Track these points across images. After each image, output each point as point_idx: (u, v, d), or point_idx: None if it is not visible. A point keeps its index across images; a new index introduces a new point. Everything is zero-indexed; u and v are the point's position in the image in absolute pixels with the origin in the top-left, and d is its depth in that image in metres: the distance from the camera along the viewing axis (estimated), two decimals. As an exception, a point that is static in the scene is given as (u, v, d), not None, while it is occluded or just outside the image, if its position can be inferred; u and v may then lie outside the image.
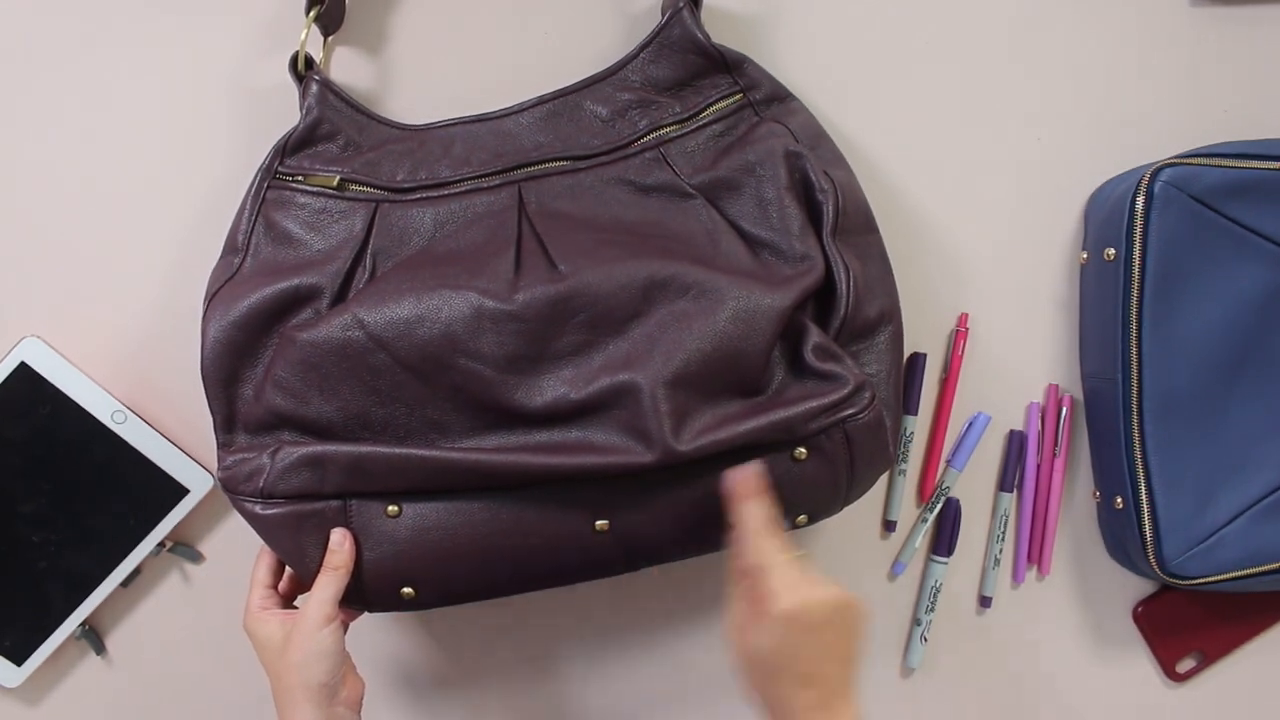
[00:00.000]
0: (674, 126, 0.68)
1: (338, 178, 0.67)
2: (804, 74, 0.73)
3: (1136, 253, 0.69)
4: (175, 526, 0.73)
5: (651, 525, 0.62)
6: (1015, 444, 0.76)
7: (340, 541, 0.61)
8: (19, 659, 0.72)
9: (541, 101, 0.69)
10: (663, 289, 0.62)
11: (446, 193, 0.67)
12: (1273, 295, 0.70)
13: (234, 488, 0.63)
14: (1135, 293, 0.69)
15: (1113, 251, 0.70)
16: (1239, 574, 0.71)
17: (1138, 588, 0.78)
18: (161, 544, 0.73)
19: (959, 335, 0.75)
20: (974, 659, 0.78)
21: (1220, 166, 0.69)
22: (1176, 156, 0.70)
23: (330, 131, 0.68)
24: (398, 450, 0.61)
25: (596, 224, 0.65)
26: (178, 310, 0.73)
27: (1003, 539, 0.76)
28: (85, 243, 0.72)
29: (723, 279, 0.62)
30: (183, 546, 0.74)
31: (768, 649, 0.55)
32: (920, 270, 0.75)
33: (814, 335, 0.63)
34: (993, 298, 0.75)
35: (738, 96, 0.68)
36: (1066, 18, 0.74)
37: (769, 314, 0.61)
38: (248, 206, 0.67)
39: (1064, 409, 0.75)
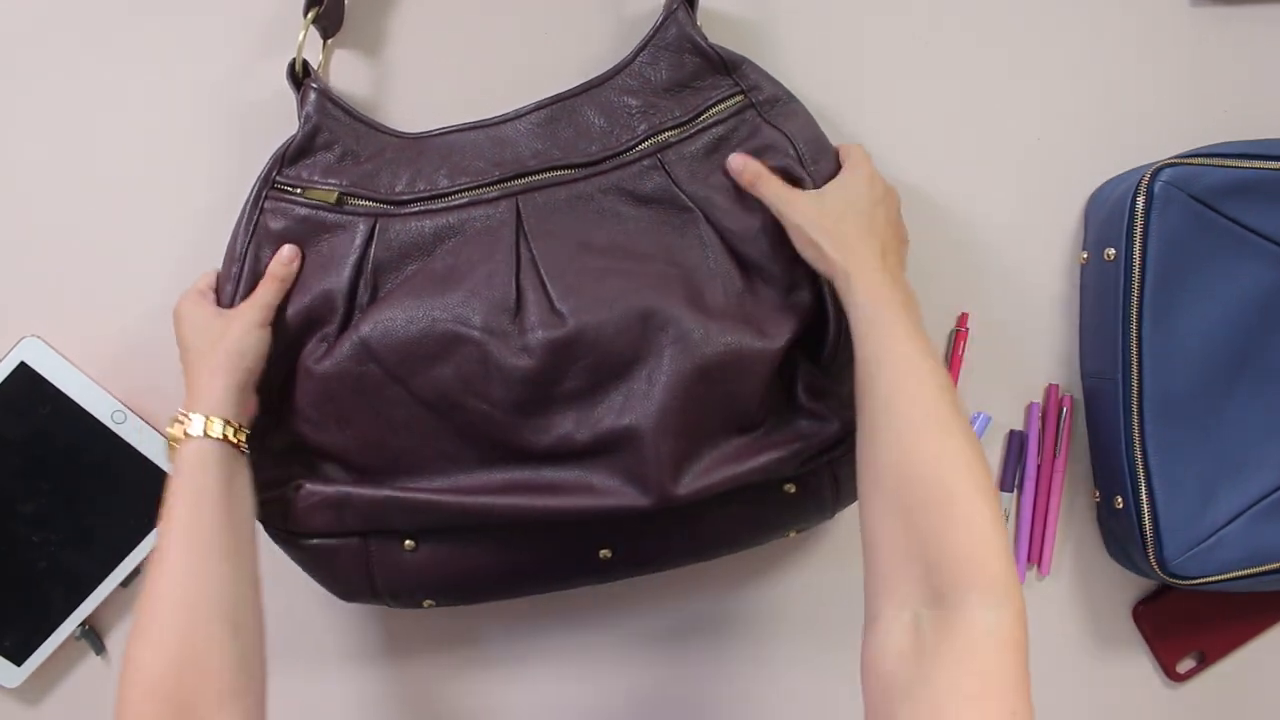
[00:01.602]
0: (674, 131, 0.67)
1: (337, 193, 0.66)
2: (804, 75, 0.73)
3: (1136, 252, 0.69)
4: (175, 526, 0.73)
5: (653, 552, 0.67)
6: (1015, 444, 0.76)
7: (290, 260, 0.65)
8: (19, 659, 0.72)
9: (540, 107, 0.68)
10: (660, 331, 0.62)
11: (445, 204, 0.66)
12: (1273, 295, 0.70)
13: (260, 518, 0.65)
14: (1135, 292, 0.69)
15: (1113, 251, 0.70)
16: (1239, 574, 0.71)
17: (1138, 588, 0.78)
18: (161, 544, 0.73)
19: (959, 335, 0.75)
20: (974, 659, 0.78)
21: (1220, 166, 0.69)
22: (1176, 156, 0.70)
23: (328, 140, 0.67)
24: (411, 496, 0.63)
25: (594, 247, 0.65)
26: (177, 310, 0.73)
27: (1003, 539, 0.76)
28: (85, 243, 0.72)
29: (716, 323, 0.62)
30: (183, 546, 0.74)
31: (846, 194, 0.64)
32: (920, 270, 0.74)
33: (805, 372, 0.65)
34: (993, 298, 0.75)
35: (739, 98, 0.67)
36: (1067, 18, 0.74)
37: (762, 358, 0.63)
38: (246, 216, 0.67)
39: (1064, 409, 0.75)
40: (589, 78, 0.69)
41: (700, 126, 0.67)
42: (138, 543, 0.72)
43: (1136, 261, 0.69)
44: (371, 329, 0.63)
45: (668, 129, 0.67)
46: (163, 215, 0.72)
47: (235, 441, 0.61)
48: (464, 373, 0.63)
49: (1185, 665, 0.78)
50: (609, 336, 0.62)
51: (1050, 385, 0.76)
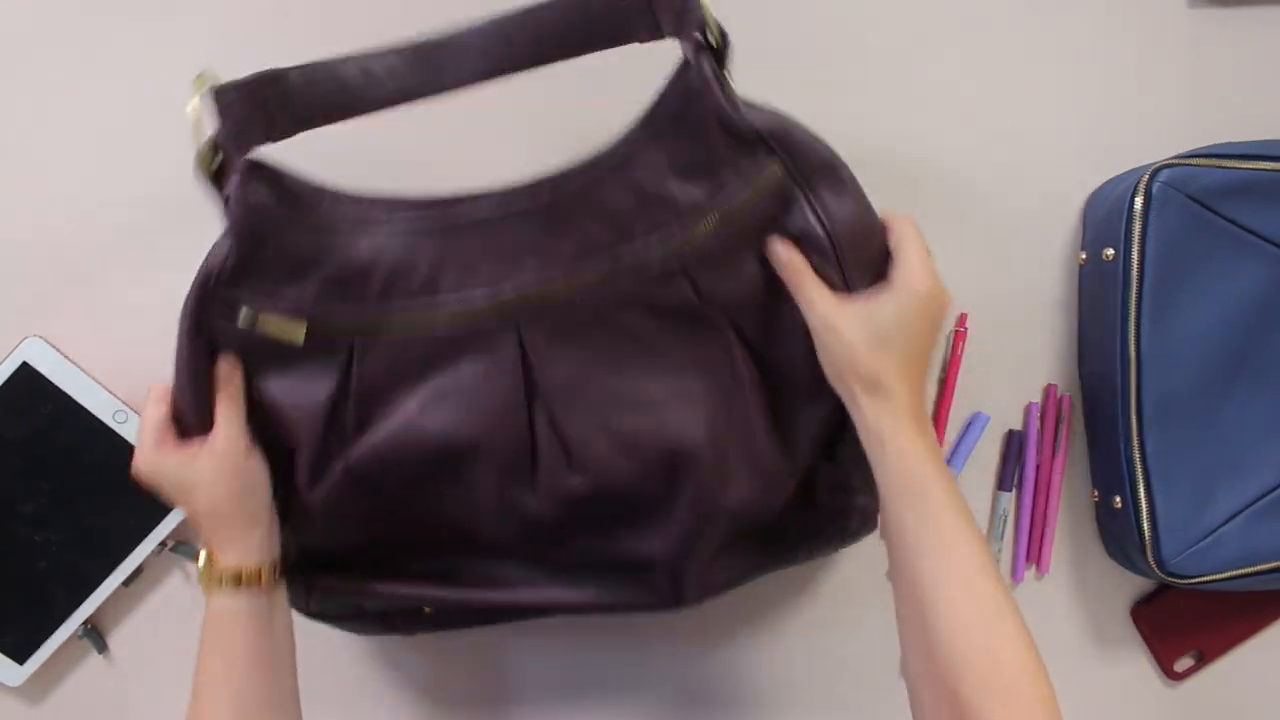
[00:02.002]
0: (701, 224, 0.56)
1: (304, 327, 0.54)
2: (803, 73, 0.73)
3: (1135, 253, 0.69)
4: (177, 526, 0.73)
5: None
6: (1014, 444, 0.76)
7: (230, 374, 0.57)
8: (21, 658, 0.73)
9: (540, 193, 0.55)
10: (684, 477, 0.58)
11: (436, 326, 0.55)
12: (1271, 295, 0.70)
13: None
14: (1134, 293, 0.69)
15: (1111, 251, 0.70)
16: (1237, 573, 0.71)
17: (1136, 587, 0.78)
18: (163, 543, 0.73)
19: (958, 335, 0.75)
20: (973, 658, 0.78)
21: (1218, 167, 0.69)
22: (1175, 157, 0.70)
23: (278, 250, 0.54)
24: (430, 594, 0.64)
25: (609, 376, 0.57)
26: (178, 310, 0.73)
27: (1002, 538, 0.76)
28: (86, 242, 0.73)
29: (740, 459, 0.59)
30: (185, 546, 0.74)
31: (896, 322, 0.56)
32: (919, 270, 0.75)
33: (824, 473, 0.64)
34: (992, 298, 0.75)
35: (778, 169, 0.56)
36: (1065, 19, 0.74)
37: (785, 479, 0.62)
38: (187, 361, 0.57)
39: (1062, 409, 0.76)
40: (594, 142, 0.57)
41: (730, 218, 0.56)
42: (139, 542, 0.72)
43: (1135, 262, 0.69)
44: (369, 464, 0.57)
45: (691, 222, 0.55)
46: (164, 214, 0.73)
47: (270, 579, 0.58)
48: (476, 502, 0.59)
49: (1183, 664, 0.78)
50: (630, 486, 0.58)
51: (1049, 385, 0.76)
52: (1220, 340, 0.70)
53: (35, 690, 0.75)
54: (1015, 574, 0.77)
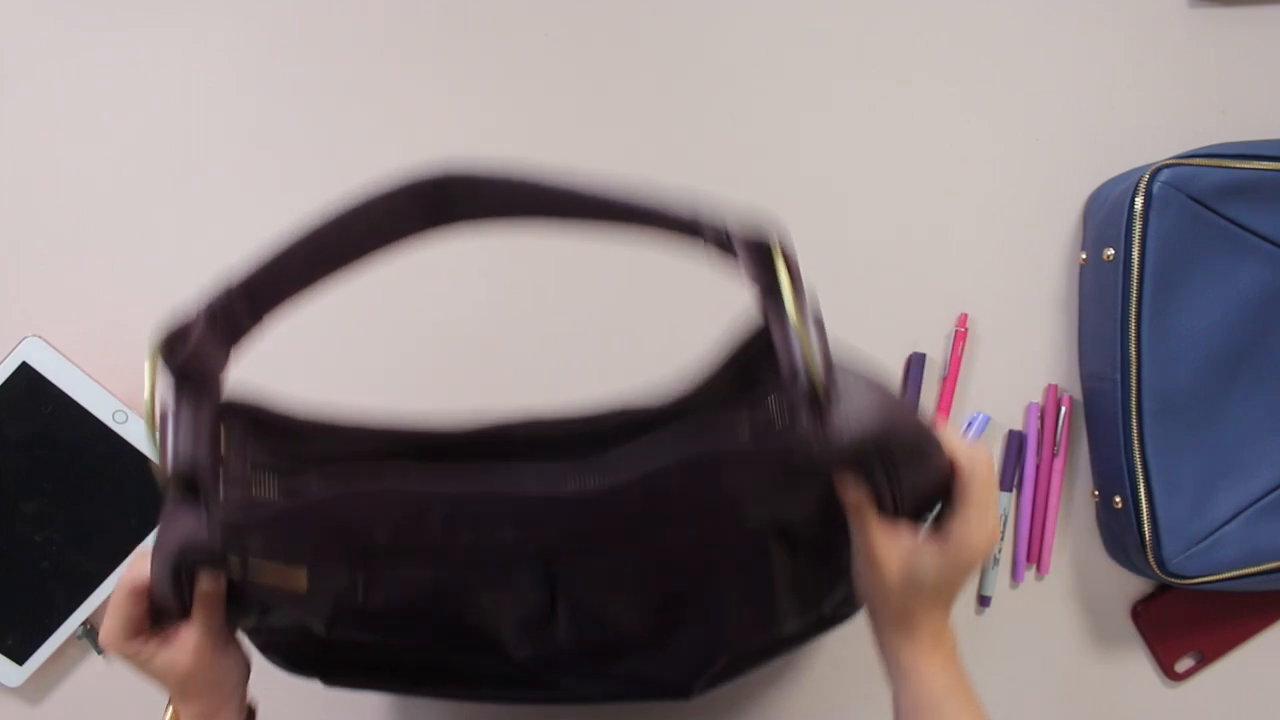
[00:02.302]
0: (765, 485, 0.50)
1: (304, 574, 0.49)
2: (801, 71, 0.73)
3: (1135, 253, 0.69)
4: (176, 526, 0.73)
5: None
6: (1014, 444, 0.76)
7: (213, 585, 0.53)
8: (20, 658, 0.73)
9: (585, 474, 0.49)
10: (694, 620, 0.58)
11: (450, 555, 0.51)
12: (1271, 295, 0.70)
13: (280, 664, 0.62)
14: (1134, 293, 0.69)
15: (1111, 252, 0.70)
16: (1237, 573, 0.71)
17: (1136, 587, 0.78)
18: (163, 543, 0.73)
19: (958, 335, 0.75)
20: (973, 658, 0.78)
21: (1219, 167, 0.69)
22: (1175, 157, 0.70)
23: (268, 536, 0.48)
24: (426, 689, 0.62)
25: (640, 578, 0.55)
26: (180, 310, 0.73)
27: (1002, 539, 0.76)
28: (86, 242, 0.73)
29: (756, 625, 0.59)
30: (184, 546, 0.74)
31: (933, 570, 0.53)
32: (920, 270, 0.75)
33: (836, 593, 0.63)
34: (992, 298, 0.76)
35: (865, 460, 0.50)
36: (1065, 18, 0.74)
37: (798, 625, 0.62)
38: (171, 593, 0.51)
39: (1063, 409, 0.76)
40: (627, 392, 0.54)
41: (794, 487, 0.51)
42: (139, 542, 0.72)
43: (1135, 262, 0.69)
44: (375, 628, 0.56)
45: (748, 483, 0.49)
46: (164, 214, 0.73)
47: None
48: (487, 641, 0.58)
49: (1184, 664, 0.78)
50: (640, 629, 0.58)
51: (1049, 385, 0.76)
52: (1220, 340, 0.70)
53: (35, 690, 0.75)
54: (1015, 575, 0.77)
